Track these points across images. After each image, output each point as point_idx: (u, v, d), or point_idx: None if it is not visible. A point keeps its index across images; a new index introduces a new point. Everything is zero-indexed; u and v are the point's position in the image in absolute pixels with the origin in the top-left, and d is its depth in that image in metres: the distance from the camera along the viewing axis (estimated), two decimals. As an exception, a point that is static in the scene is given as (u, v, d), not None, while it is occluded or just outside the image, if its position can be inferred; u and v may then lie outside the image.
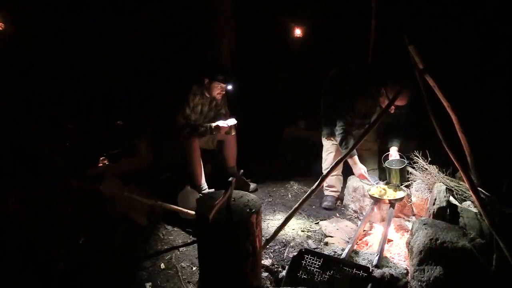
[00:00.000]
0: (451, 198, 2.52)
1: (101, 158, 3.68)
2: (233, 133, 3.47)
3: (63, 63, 4.00)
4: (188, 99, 3.32)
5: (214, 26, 4.40)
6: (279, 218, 3.26)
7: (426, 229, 2.14)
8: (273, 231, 2.48)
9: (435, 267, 2.00)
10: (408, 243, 2.28)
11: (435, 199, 2.49)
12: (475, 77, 3.58)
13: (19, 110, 3.66)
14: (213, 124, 3.37)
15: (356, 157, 3.24)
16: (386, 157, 3.27)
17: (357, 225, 2.95)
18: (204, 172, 3.49)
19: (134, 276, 2.45)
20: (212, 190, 3.47)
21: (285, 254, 2.69)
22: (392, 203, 2.90)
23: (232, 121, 3.41)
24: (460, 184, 2.70)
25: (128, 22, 4.25)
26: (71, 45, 4.00)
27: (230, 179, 2.00)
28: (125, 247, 2.77)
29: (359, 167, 3.25)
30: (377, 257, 2.26)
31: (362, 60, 3.92)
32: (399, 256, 2.54)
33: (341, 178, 3.56)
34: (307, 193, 2.41)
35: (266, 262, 2.56)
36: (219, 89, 3.38)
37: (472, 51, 3.60)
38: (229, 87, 3.44)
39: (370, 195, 3.03)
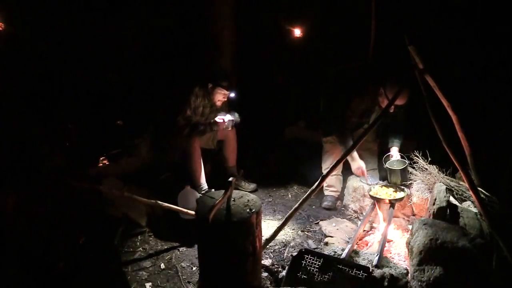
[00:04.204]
0: (451, 198, 2.52)
1: (101, 158, 3.69)
2: (230, 128, 3.47)
3: (63, 63, 4.00)
4: (190, 100, 3.31)
5: (214, 25, 4.39)
6: (279, 218, 3.26)
7: (426, 229, 2.14)
8: (273, 231, 2.48)
9: (435, 267, 2.00)
10: (408, 243, 2.28)
11: (435, 199, 2.49)
12: (475, 77, 3.57)
13: (19, 110, 3.66)
14: (211, 120, 3.39)
15: (354, 153, 3.21)
16: (387, 157, 3.27)
17: (357, 225, 2.95)
18: (204, 172, 3.49)
19: (134, 276, 2.45)
20: (212, 190, 3.48)
21: (285, 254, 2.69)
22: (392, 203, 2.90)
23: (228, 117, 3.42)
24: (460, 184, 2.71)
25: (129, 21, 4.25)
26: (72, 44, 4.00)
27: (230, 179, 2.00)
28: (125, 247, 2.77)
29: (357, 163, 3.22)
30: (377, 257, 2.26)
31: (362, 60, 3.92)
32: (399, 256, 2.54)
33: (341, 178, 3.56)
34: (307, 193, 2.41)
35: (266, 262, 2.56)
36: (221, 96, 3.39)
37: (473, 50, 3.59)
38: (232, 94, 3.46)
39: (370, 195, 3.03)
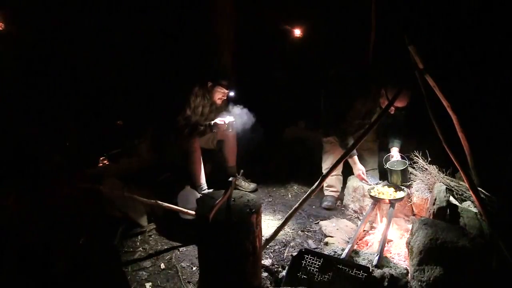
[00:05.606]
0: (451, 198, 2.52)
1: (101, 158, 3.69)
2: (230, 129, 3.47)
3: (63, 63, 4.00)
4: (189, 100, 3.31)
5: (214, 26, 4.39)
6: (279, 218, 3.26)
7: (426, 229, 2.14)
8: (273, 231, 2.48)
9: (435, 267, 2.00)
10: (408, 243, 2.28)
11: (435, 199, 2.49)
12: (475, 77, 3.58)
13: (19, 110, 3.66)
14: (212, 122, 3.39)
15: (356, 158, 3.25)
16: (388, 158, 3.27)
17: (357, 225, 2.95)
18: (204, 172, 3.49)
19: (134, 276, 2.45)
20: (212, 190, 3.48)
21: (285, 254, 2.69)
22: (392, 203, 2.90)
23: (229, 119, 3.42)
24: (460, 184, 2.71)
25: (129, 21, 4.25)
26: (72, 44, 4.00)
27: (230, 179, 2.00)
28: (125, 247, 2.77)
29: (358, 168, 3.26)
30: (377, 257, 2.26)
31: (362, 60, 3.92)
32: (399, 256, 2.54)
33: (341, 178, 3.56)
34: (307, 193, 2.41)
35: (266, 262, 2.56)
36: (221, 94, 3.39)
37: (472, 50, 3.59)
38: (231, 93, 3.46)
39: (370, 195, 3.03)
